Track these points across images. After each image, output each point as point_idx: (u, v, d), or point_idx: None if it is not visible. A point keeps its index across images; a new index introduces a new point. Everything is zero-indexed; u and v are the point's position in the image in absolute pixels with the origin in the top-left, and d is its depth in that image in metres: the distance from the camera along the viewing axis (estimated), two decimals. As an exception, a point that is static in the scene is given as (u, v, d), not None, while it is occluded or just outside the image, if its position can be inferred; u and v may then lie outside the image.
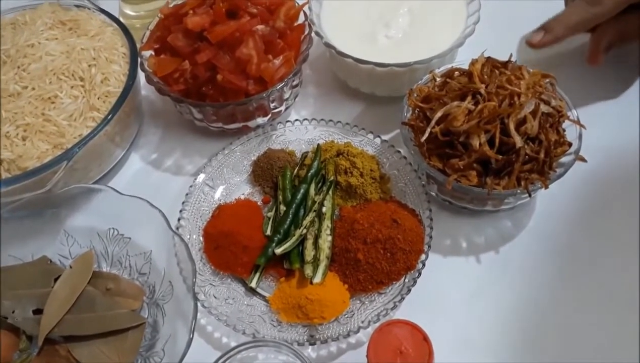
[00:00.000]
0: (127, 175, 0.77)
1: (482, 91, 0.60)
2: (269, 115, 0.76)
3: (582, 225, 0.66)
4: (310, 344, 0.58)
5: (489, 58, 0.64)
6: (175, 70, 0.69)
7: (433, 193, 0.68)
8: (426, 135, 0.61)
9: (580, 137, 0.63)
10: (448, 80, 0.66)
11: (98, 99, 0.69)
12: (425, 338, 0.52)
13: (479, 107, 0.59)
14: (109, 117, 0.67)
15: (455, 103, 0.61)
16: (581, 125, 0.63)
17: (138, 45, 0.75)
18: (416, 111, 0.67)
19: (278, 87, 0.69)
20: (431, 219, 0.64)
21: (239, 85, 0.68)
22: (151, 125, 0.82)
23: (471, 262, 0.65)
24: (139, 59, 0.73)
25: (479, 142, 0.59)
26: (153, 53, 0.73)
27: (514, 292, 0.62)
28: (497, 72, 0.63)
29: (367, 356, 0.53)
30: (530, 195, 0.60)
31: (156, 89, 0.71)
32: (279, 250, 0.63)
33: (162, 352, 0.58)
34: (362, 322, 0.59)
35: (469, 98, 0.61)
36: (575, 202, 0.68)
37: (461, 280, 0.63)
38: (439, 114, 0.61)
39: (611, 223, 0.66)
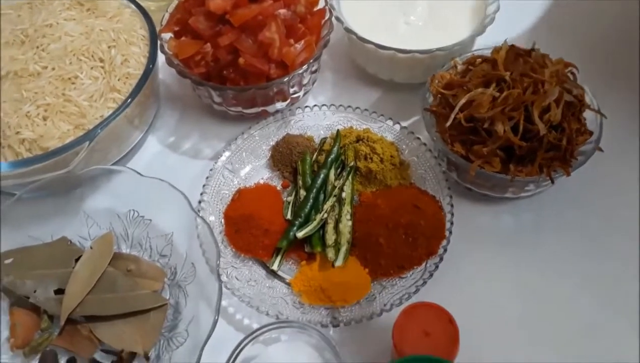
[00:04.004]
0: (145, 158, 0.77)
1: (507, 78, 0.60)
2: (288, 100, 0.76)
3: (601, 214, 0.67)
4: (334, 326, 0.59)
5: (512, 46, 0.64)
6: (197, 52, 0.69)
7: (453, 180, 0.69)
8: (450, 120, 0.61)
9: (601, 126, 0.64)
10: (470, 67, 0.66)
11: (118, 80, 0.69)
12: (451, 321, 0.53)
13: (504, 94, 0.60)
14: (131, 98, 0.66)
15: (480, 90, 0.61)
16: (602, 115, 0.64)
17: (157, 28, 0.74)
18: (438, 98, 0.67)
19: (300, 72, 0.69)
20: (452, 205, 0.64)
21: (261, 69, 0.68)
22: (168, 108, 0.81)
23: (491, 247, 0.65)
24: (158, 42, 0.72)
25: (504, 128, 0.59)
26: (172, 35, 0.73)
27: (533, 276, 0.63)
28: (521, 60, 0.63)
29: (392, 338, 0.53)
30: (552, 182, 0.61)
31: (177, 71, 0.71)
32: (300, 234, 0.64)
33: (186, 333, 0.58)
34: (385, 305, 0.59)
35: (494, 85, 0.61)
36: (593, 191, 0.68)
37: (482, 265, 0.64)
38: (463, 100, 0.61)
39: (630, 213, 0.66)
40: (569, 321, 0.60)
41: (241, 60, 0.67)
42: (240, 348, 0.55)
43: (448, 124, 0.61)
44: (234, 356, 0.55)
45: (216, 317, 0.55)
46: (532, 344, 0.59)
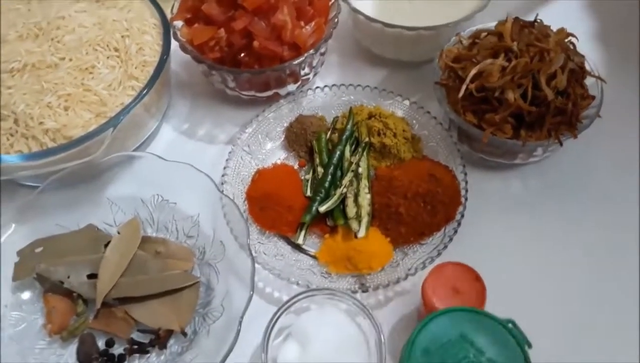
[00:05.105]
0: (161, 146, 0.78)
1: (515, 48, 0.63)
2: (299, 82, 0.78)
3: (602, 176, 0.71)
4: (363, 291, 0.61)
5: (516, 18, 0.67)
6: (211, 38, 0.71)
7: (463, 150, 0.71)
8: (462, 91, 0.64)
9: (602, 91, 0.67)
10: (477, 40, 0.69)
11: (135, 68, 0.70)
12: (478, 278, 0.56)
13: (513, 63, 0.63)
14: (150, 84, 0.68)
15: (489, 60, 0.64)
16: (602, 80, 0.67)
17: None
18: (446, 72, 0.70)
19: (312, 52, 0.72)
20: (465, 174, 0.67)
21: (275, 51, 0.70)
22: (179, 97, 0.83)
23: (503, 210, 0.69)
24: (171, 29, 0.74)
25: (514, 96, 0.62)
26: (184, 23, 0.75)
27: (542, 234, 0.67)
28: (525, 30, 0.66)
29: (422, 297, 0.56)
30: (561, 144, 0.64)
31: (192, 57, 0.72)
32: (322, 208, 0.66)
33: (222, 307, 0.60)
34: (409, 269, 0.62)
35: (502, 55, 0.64)
36: (595, 155, 0.72)
37: (496, 227, 0.67)
38: (474, 71, 0.64)
39: (631, 177, 0.70)
40: (578, 275, 0.64)
41: (256, 44, 0.69)
42: (276, 318, 0.57)
43: (461, 94, 0.64)
44: (270, 326, 0.57)
45: (251, 292, 0.57)
46: (546, 296, 0.63)
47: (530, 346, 0.47)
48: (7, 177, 0.67)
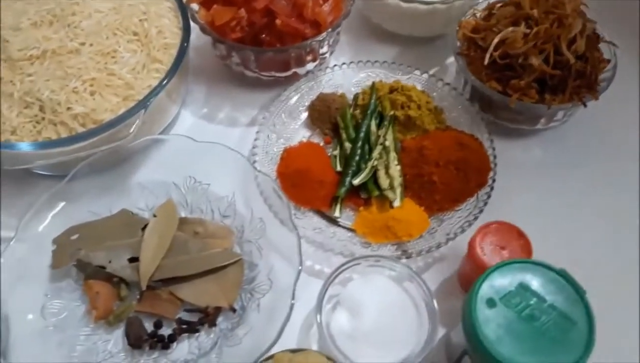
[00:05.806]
0: (182, 132, 0.77)
1: (535, 14, 0.66)
2: (317, 61, 0.78)
3: (619, 135, 0.75)
4: (406, 258, 0.63)
5: (533, -13, 0.70)
6: (232, 18, 0.71)
7: (486, 119, 0.73)
8: (487, 59, 0.66)
9: (615, 54, 0.70)
10: (492, 11, 0.71)
11: (158, 51, 0.69)
12: (521, 234, 0.58)
13: (535, 29, 0.65)
14: (175, 66, 0.67)
15: (511, 29, 0.66)
16: (614, 45, 0.71)
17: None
18: (465, 43, 0.72)
19: (333, 29, 0.72)
20: (492, 140, 0.70)
21: (297, 29, 0.71)
22: (194, 82, 0.82)
23: (530, 174, 0.72)
24: (188, 12, 0.73)
25: (538, 61, 0.65)
26: (200, 6, 0.74)
27: (566, 194, 0.70)
28: (542, -1, 0.69)
29: (469, 256, 0.58)
30: (585, 105, 0.67)
31: (212, 38, 0.72)
32: (356, 181, 0.67)
33: (269, 281, 0.61)
34: (448, 234, 0.64)
35: (523, 23, 0.66)
36: (607, 119, 0.75)
37: (527, 189, 0.70)
38: (497, 40, 0.66)
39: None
40: (607, 225, 0.68)
41: (278, 22, 0.70)
42: (327, 286, 0.58)
43: (486, 61, 0.66)
44: (323, 292, 0.58)
45: (300, 267, 0.58)
46: (586, 249, 0.66)
47: (585, 292, 0.49)
48: (34, 166, 0.65)
